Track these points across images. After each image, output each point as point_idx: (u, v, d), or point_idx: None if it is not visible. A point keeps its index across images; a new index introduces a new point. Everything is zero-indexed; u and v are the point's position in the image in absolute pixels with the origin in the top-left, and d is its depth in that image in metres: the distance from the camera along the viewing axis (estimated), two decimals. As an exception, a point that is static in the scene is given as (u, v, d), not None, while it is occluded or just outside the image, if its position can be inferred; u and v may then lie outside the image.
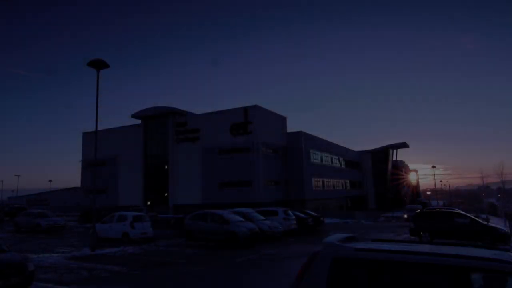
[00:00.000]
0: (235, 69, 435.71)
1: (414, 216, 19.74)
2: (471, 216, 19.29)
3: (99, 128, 18.57)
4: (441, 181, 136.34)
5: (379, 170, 71.95)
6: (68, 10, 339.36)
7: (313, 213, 28.07)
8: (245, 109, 40.40)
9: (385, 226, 30.63)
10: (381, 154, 72.85)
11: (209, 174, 41.52)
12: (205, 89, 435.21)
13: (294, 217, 24.02)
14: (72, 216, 41.32)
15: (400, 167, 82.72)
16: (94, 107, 17.69)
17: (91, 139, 37.23)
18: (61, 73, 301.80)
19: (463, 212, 20.56)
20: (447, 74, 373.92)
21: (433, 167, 65.06)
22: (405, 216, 32.55)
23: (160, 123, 46.49)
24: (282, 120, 46.26)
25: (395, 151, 76.69)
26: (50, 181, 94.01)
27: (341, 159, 61.13)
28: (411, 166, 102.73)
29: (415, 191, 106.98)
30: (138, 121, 48.65)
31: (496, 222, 24.95)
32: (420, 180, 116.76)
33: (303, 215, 25.93)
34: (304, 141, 45.67)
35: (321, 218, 27.75)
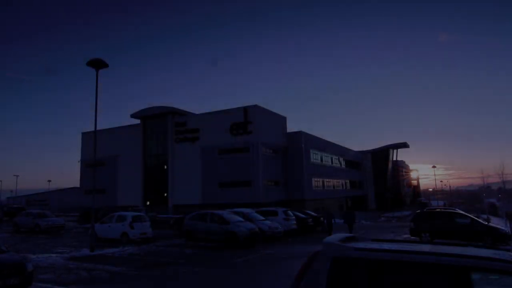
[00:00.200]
0: (235, 69, 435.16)
1: (414, 216, 19.73)
2: (471, 216, 19.27)
3: (98, 128, 18.55)
4: (441, 181, 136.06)
5: (379, 170, 71.74)
6: (68, 10, 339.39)
7: (313, 213, 28.05)
8: (245, 109, 40.36)
9: (386, 226, 30.63)
10: (381, 154, 72.65)
11: (208, 174, 41.47)
12: (205, 89, 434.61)
13: (294, 217, 24.01)
14: (71, 216, 41.33)
15: (400, 167, 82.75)
16: (93, 107, 17.68)
17: (90, 139, 37.14)
18: (60, 72, 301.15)
19: (463, 212, 20.56)
20: (447, 74, 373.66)
21: (434, 167, 65.23)
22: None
23: (159, 123, 46.42)
24: (282, 120, 46.21)
25: (395, 151, 76.49)
26: (49, 181, 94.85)
27: (341, 159, 61.07)
28: (411, 166, 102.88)
29: (416, 191, 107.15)
30: (138, 121, 48.56)
31: (496, 222, 24.88)
32: (420, 180, 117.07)
33: (303, 215, 25.91)
34: (304, 141, 45.60)
35: (321, 219, 27.74)
